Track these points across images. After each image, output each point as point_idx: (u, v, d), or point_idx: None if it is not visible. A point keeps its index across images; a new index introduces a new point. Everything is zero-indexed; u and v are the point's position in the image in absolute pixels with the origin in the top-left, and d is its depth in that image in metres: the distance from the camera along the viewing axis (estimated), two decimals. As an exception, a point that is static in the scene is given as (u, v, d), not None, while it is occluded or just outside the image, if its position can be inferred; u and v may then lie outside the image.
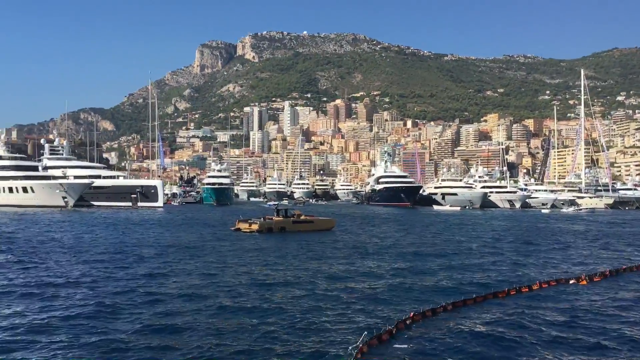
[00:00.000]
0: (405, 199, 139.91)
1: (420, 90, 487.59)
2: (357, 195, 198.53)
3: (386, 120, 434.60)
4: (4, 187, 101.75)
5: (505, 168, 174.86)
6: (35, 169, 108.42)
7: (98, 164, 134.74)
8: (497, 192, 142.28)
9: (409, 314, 17.44)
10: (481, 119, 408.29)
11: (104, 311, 17.99)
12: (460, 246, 40.99)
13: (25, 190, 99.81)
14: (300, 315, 17.81)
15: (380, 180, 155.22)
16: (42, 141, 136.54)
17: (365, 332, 14.16)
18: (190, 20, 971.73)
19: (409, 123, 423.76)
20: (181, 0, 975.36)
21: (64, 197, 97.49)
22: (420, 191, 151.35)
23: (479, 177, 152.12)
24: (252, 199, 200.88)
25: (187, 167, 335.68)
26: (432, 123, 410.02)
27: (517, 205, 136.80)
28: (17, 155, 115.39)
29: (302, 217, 52.91)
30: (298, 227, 50.32)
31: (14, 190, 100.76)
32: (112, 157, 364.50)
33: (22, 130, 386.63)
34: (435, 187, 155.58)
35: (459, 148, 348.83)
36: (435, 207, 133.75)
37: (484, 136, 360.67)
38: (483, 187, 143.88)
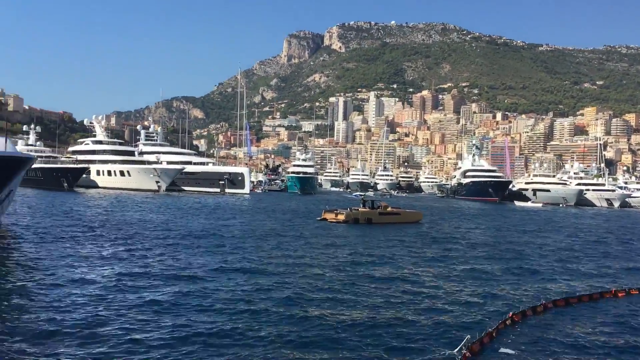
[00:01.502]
0: (494, 194, 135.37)
1: (511, 81, 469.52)
2: (442, 189, 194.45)
3: (474, 112, 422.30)
4: (103, 170, 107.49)
5: (602, 165, 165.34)
6: (132, 153, 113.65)
7: (189, 151, 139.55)
8: (593, 190, 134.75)
9: (508, 314, 16.49)
10: (577, 113, 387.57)
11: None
12: (559, 244, 38.82)
13: (122, 174, 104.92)
14: (396, 311, 17.21)
15: (467, 173, 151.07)
16: (138, 127, 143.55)
17: (468, 336, 13.31)
18: (279, 11, 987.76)
19: (499, 115, 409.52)
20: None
21: (157, 182, 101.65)
22: (510, 186, 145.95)
23: (574, 173, 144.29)
24: (334, 188, 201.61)
25: (272, 156, 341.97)
26: (523, 116, 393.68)
27: (616, 204, 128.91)
28: (115, 140, 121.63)
29: (389, 209, 52.09)
30: (385, 219, 49.56)
31: (112, 173, 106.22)
32: (202, 144, 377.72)
33: (120, 116, 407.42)
34: (526, 183, 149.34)
35: (552, 143, 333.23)
36: (518, 203, 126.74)
37: (579, 131, 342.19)
38: (578, 184, 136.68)
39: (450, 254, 30.82)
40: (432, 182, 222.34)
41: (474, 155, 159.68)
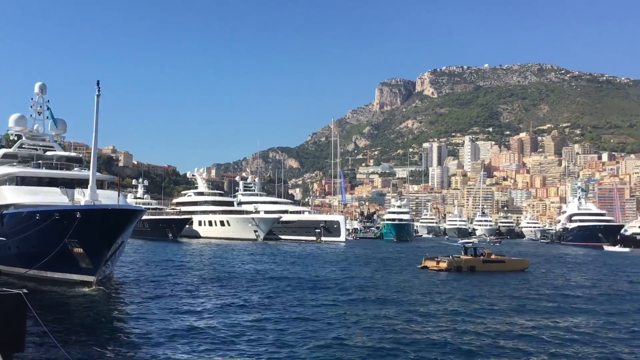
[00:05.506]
0: (604, 239, 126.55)
1: (617, 120, 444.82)
2: (546, 234, 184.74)
3: (577, 153, 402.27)
4: (205, 221, 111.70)
5: None
6: (231, 204, 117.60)
7: (286, 200, 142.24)
8: None
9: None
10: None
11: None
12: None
13: (222, 223, 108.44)
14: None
15: (573, 218, 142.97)
16: (237, 178, 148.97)
17: None
18: (370, 61, 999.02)
19: (605, 156, 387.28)
20: (361, 42, 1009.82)
21: (255, 231, 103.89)
22: (622, 230, 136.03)
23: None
24: (430, 235, 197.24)
25: (366, 203, 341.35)
26: (632, 156, 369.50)
27: None
28: (216, 191, 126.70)
29: (493, 257, 49.80)
30: (489, 267, 47.41)
31: (213, 223, 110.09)
32: (297, 193, 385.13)
33: (219, 168, 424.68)
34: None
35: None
36: (607, 248, 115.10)
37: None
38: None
39: (566, 310, 28.57)
40: (535, 227, 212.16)
41: (579, 198, 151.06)
